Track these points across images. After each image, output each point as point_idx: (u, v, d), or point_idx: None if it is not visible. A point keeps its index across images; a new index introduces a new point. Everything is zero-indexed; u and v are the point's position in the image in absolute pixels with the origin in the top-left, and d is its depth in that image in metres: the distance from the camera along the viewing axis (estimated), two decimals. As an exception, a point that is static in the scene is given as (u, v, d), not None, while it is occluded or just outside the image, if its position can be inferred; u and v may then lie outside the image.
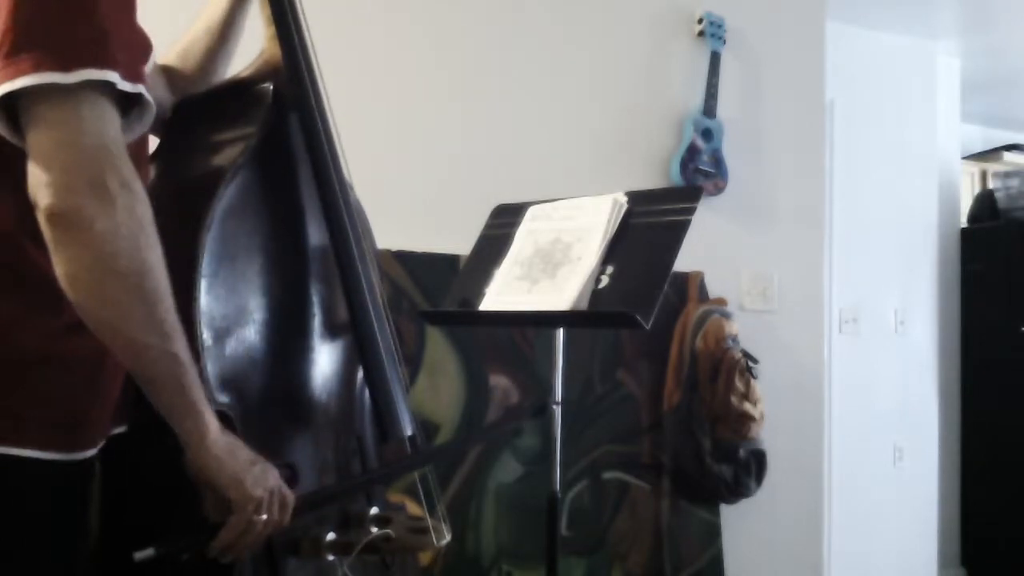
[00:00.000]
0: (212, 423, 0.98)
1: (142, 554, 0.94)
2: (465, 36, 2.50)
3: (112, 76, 0.87)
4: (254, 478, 1.00)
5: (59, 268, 0.87)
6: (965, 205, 4.35)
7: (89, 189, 0.85)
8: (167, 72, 1.29)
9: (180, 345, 0.93)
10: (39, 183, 0.85)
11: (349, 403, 1.33)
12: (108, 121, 0.89)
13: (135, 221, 0.88)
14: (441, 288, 2.21)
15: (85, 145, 0.86)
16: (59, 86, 0.84)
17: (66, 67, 0.84)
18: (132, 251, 0.88)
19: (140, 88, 0.91)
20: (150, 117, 0.96)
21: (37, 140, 0.86)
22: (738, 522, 2.72)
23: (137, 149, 1.03)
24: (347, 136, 1.56)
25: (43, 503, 0.96)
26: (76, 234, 0.85)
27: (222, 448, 0.99)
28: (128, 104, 0.93)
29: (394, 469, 1.41)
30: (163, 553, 0.95)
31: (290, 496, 1.05)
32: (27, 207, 0.88)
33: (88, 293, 0.88)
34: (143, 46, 0.96)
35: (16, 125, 0.87)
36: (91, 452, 1.00)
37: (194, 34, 1.32)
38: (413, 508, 1.43)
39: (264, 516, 1.01)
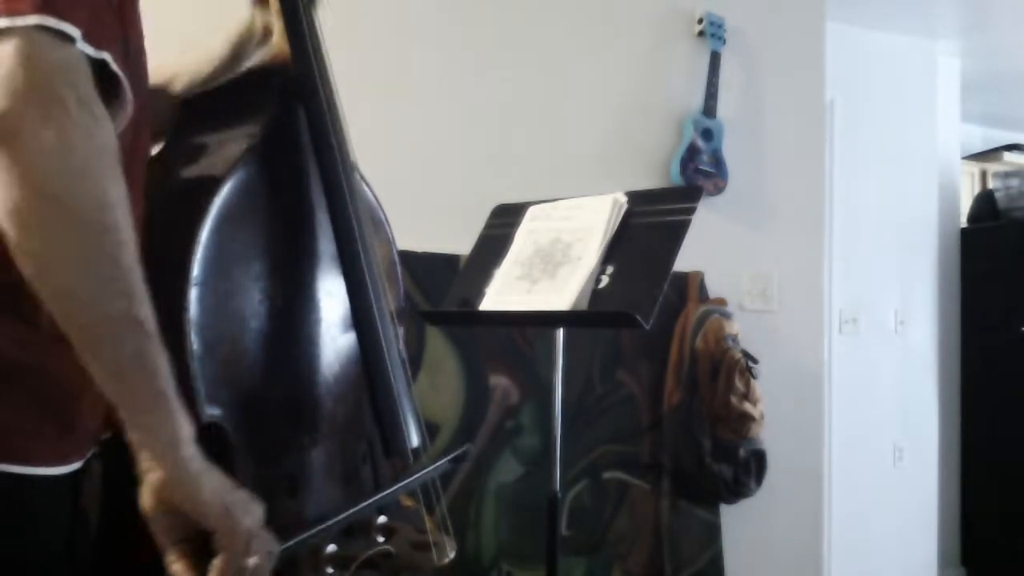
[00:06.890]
0: (187, 425, 0.78)
1: None
2: (466, 36, 2.50)
3: (71, 29, 0.70)
4: (243, 504, 0.80)
5: None
6: (965, 205, 4.35)
7: (36, 96, 0.67)
8: (179, 99, 1.22)
9: (146, 312, 0.73)
10: None
11: (357, 407, 1.26)
12: (76, 59, 0.71)
13: (92, 146, 0.70)
14: (441, 288, 2.21)
15: (42, 59, 0.69)
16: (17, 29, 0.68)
17: (17, 11, 0.68)
18: (86, 175, 0.69)
19: (104, 55, 0.74)
20: (125, 107, 0.80)
21: None
22: (738, 522, 2.72)
23: (132, 152, 0.94)
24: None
25: (28, 514, 0.85)
26: (13, 147, 0.67)
27: (200, 459, 0.78)
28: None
29: (384, 497, 1.21)
30: None
31: (273, 543, 0.84)
32: None
33: (25, 225, 0.68)
34: (117, 33, 0.80)
35: None
36: (77, 464, 0.89)
37: (198, 63, 1.25)
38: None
39: (254, 560, 0.79)
